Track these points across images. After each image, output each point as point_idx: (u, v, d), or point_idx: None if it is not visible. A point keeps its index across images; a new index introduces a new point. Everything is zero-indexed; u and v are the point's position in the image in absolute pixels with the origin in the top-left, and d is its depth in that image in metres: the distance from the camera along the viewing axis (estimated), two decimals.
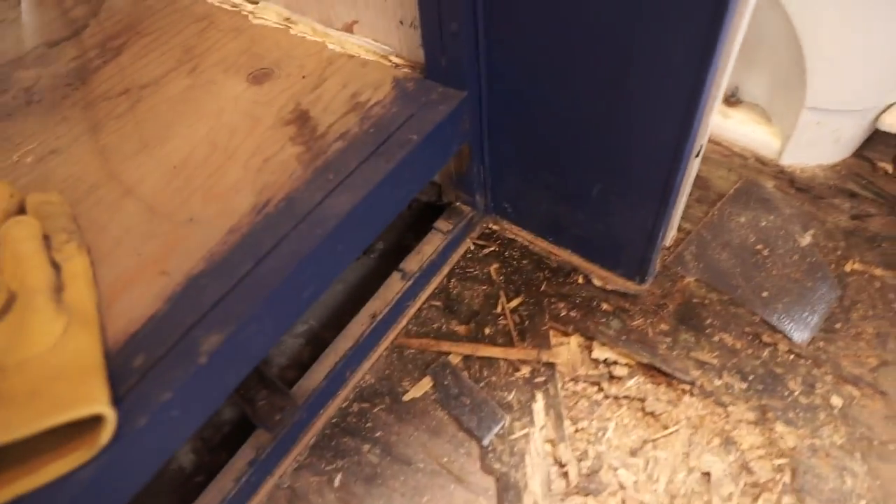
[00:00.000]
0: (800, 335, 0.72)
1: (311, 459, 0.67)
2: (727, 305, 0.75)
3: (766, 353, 0.71)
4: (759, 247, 0.80)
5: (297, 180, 0.60)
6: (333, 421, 0.69)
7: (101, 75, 0.76)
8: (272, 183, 0.60)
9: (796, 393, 0.68)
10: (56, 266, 0.52)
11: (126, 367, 0.48)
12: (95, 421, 0.43)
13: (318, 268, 0.56)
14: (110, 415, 0.43)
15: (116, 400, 0.45)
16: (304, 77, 0.71)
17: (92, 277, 0.53)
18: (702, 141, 0.63)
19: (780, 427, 0.65)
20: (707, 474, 0.63)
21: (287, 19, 0.79)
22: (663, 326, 0.73)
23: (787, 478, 0.62)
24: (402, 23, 0.68)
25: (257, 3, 0.82)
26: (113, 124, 0.69)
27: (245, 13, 0.81)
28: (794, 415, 0.66)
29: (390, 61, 0.71)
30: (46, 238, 0.55)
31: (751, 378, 0.69)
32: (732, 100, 0.94)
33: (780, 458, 0.64)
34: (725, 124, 0.93)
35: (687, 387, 0.68)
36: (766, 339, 0.72)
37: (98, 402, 0.42)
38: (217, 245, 0.55)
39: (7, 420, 0.41)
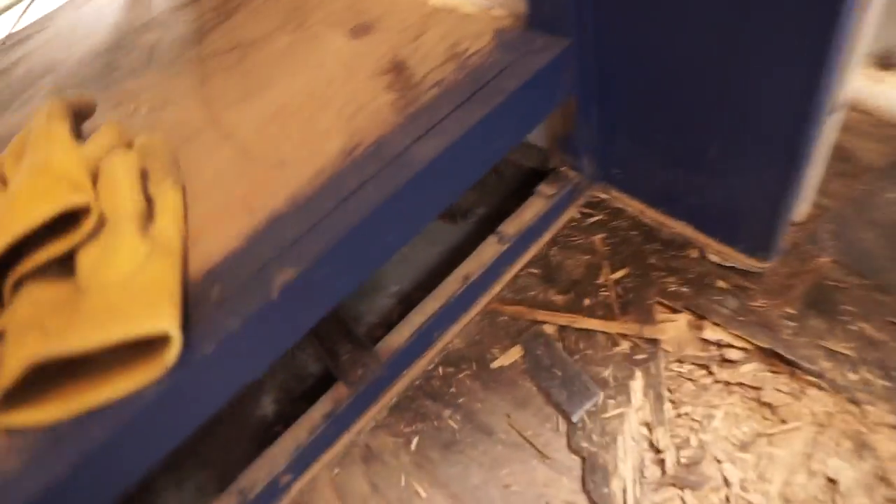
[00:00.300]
0: None
1: (390, 420, 0.65)
2: (870, 291, 0.64)
3: (880, 333, 0.60)
4: None
5: (388, 126, 0.58)
6: (416, 383, 0.66)
7: (214, 34, 0.79)
8: (363, 129, 0.58)
9: None
10: (150, 199, 0.54)
11: (202, 298, 0.48)
12: (164, 344, 0.43)
13: (400, 213, 0.53)
14: (176, 335, 0.42)
15: (187, 326, 0.45)
16: (403, 30, 0.69)
17: (182, 213, 0.54)
18: (838, 98, 0.54)
19: None
20: (833, 481, 0.54)
21: None
22: (789, 310, 0.64)
23: None
24: None
25: None
26: (220, 76, 0.71)
27: None
28: None
29: (492, 14, 0.67)
30: (145, 173, 0.56)
31: (893, 375, 0.59)
32: (887, 63, 0.82)
33: None
34: (877, 90, 0.81)
35: (814, 379, 0.59)
36: None
37: (166, 322, 0.42)
38: (302, 187, 0.54)
39: (82, 333, 0.42)
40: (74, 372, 0.44)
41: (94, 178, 0.52)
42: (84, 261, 0.47)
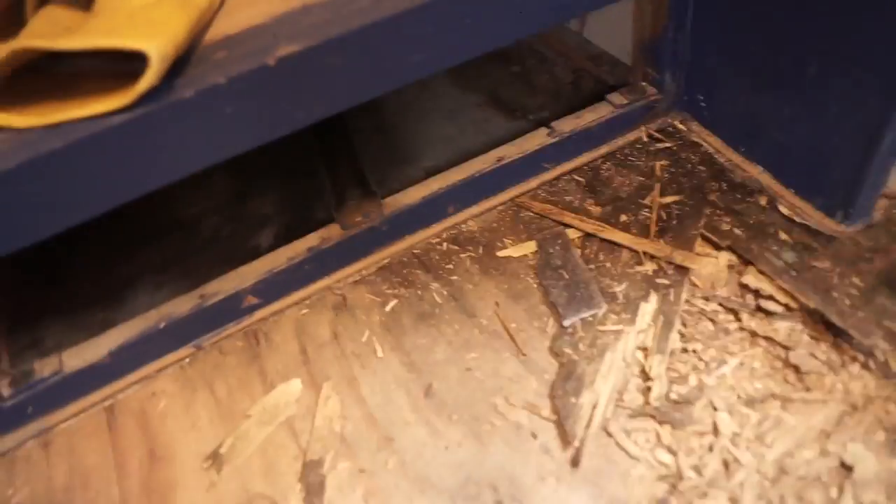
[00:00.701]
0: None
1: (375, 278, 0.60)
2: None
3: None
4: None
5: None
6: (415, 251, 0.61)
7: None
8: None
9: None
10: None
11: (204, 59, 0.45)
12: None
13: (430, 28, 0.48)
14: (155, 58, 0.39)
15: (177, 76, 0.42)
16: None
17: None
18: None
19: None
20: (848, 468, 0.44)
21: None
22: (857, 280, 0.53)
23: None
24: None
25: None
26: None
27: None
28: None
29: None
30: None
31: None
32: None
33: None
34: None
35: (862, 356, 0.49)
36: None
37: (150, 44, 0.39)
38: None
39: (71, 39, 0.40)
40: (60, 93, 0.43)
41: None
42: None
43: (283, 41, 0.45)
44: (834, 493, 0.43)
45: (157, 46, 0.40)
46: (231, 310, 0.57)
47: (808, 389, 0.48)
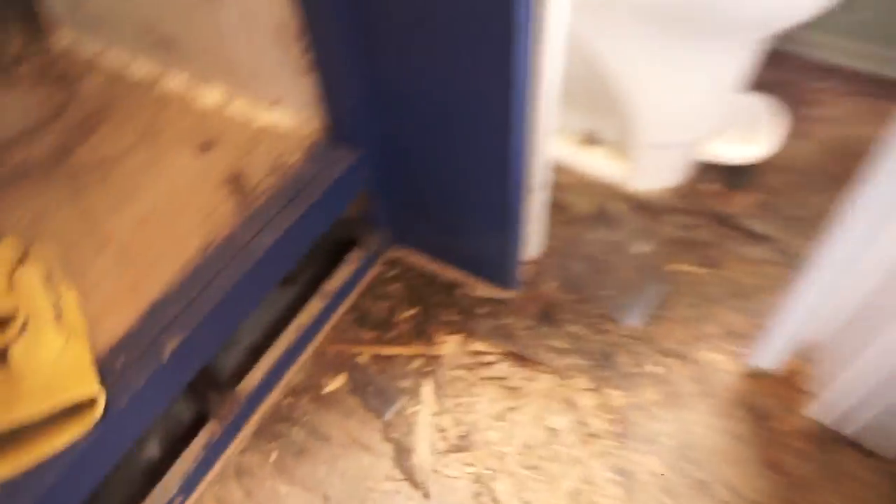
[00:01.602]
0: (632, 321, 0.94)
1: (254, 441, 0.86)
2: (578, 303, 0.97)
3: (604, 337, 0.93)
4: (607, 256, 1.03)
5: (233, 226, 0.80)
6: (270, 411, 0.89)
7: (79, 150, 0.96)
8: (214, 229, 0.80)
9: (626, 365, 0.90)
10: (56, 298, 0.72)
11: (111, 368, 0.67)
12: (91, 405, 0.62)
13: (248, 288, 0.76)
14: (101, 396, 0.62)
15: (105, 389, 0.65)
16: (238, 146, 0.92)
17: (79, 306, 0.73)
18: (538, 178, 0.85)
19: (610, 391, 0.87)
20: (554, 429, 0.84)
21: (225, 100, 1.00)
22: (528, 322, 0.94)
23: (614, 428, 0.84)
24: (311, 100, 0.89)
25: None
26: (91, 189, 0.89)
27: (192, 96, 1.02)
28: (622, 382, 0.88)
29: (302, 132, 0.92)
30: (48, 276, 0.74)
31: (590, 357, 0.90)
32: (590, 141, 1.18)
33: (609, 413, 0.85)
34: (583, 160, 1.16)
35: (540, 366, 0.90)
36: (605, 326, 0.94)
37: (93, 388, 0.62)
38: (174, 277, 0.75)
39: (28, 406, 0.61)
40: (16, 438, 0.62)
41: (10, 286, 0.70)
42: (15, 353, 0.65)
43: (163, 338, 0.70)
44: (553, 446, 0.82)
45: (96, 385, 0.63)
46: None
47: (523, 397, 0.87)
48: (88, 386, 0.62)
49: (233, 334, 0.98)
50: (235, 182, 0.86)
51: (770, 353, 0.86)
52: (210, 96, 1.01)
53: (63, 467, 0.61)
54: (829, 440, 0.81)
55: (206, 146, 0.93)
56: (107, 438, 0.64)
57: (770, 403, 0.86)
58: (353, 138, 0.88)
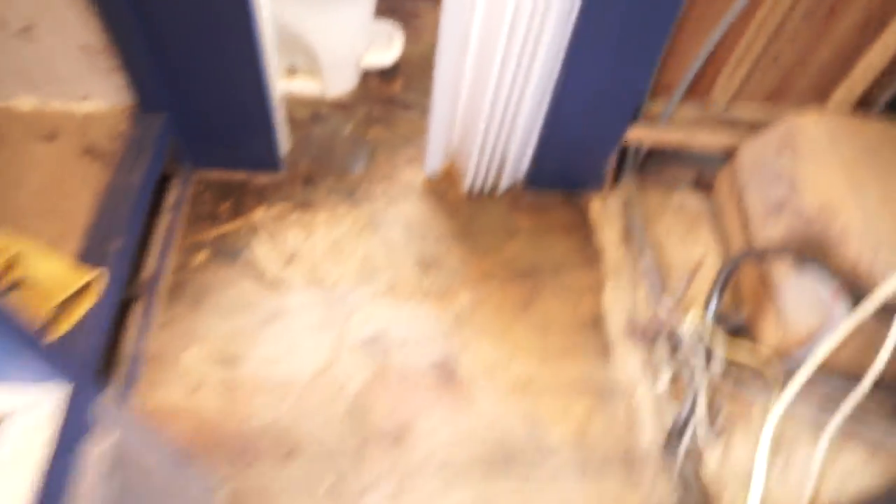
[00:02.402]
0: (358, 170, 1.62)
1: (167, 303, 1.38)
2: (323, 170, 1.61)
3: (345, 184, 1.59)
4: (329, 140, 1.68)
5: (109, 176, 1.27)
6: (169, 286, 1.40)
7: None
8: (96, 181, 1.27)
9: (364, 192, 1.57)
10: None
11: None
12: (93, 284, 1.11)
13: (134, 212, 1.26)
14: (103, 276, 1.12)
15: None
16: (77, 130, 1.35)
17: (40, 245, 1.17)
18: (277, 97, 1.45)
19: (360, 208, 1.55)
20: (336, 239, 1.50)
21: (42, 102, 1.39)
22: (298, 188, 1.57)
23: (370, 222, 1.52)
24: (120, 90, 1.35)
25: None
26: None
27: (8, 106, 1.39)
28: (364, 201, 1.56)
29: (122, 109, 1.38)
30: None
31: (343, 195, 1.57)
32: (293, 72, 1.78)
33: (364, 219, 1.53)
34: (294, 85, 1.77)
35: (317, 208, 1.53)
36: (344, 177, 1.60)
37: (92, 274, 1.11)
38: (89, 220, 1.22)
39: (58, 295, 1.08)
40: (60, 312, 1.09)
41: None
42: (29, 271, 1.10)
43: (105, 245, 1.19)
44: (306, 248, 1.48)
45: (93, 272, 1.13)
46: None
47: (313, 228, 1.51)
48: (88, 274, 1.11)
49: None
50: (92, 152, 1.32)
51: (434, 163, 1.61)
52: (25, 103, 1.40)
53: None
54: (476, 197, 1.61)
55: (50, 137, 1.34)
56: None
57: (442, 187, 1.62)
58: (157, 108, 1.37)
